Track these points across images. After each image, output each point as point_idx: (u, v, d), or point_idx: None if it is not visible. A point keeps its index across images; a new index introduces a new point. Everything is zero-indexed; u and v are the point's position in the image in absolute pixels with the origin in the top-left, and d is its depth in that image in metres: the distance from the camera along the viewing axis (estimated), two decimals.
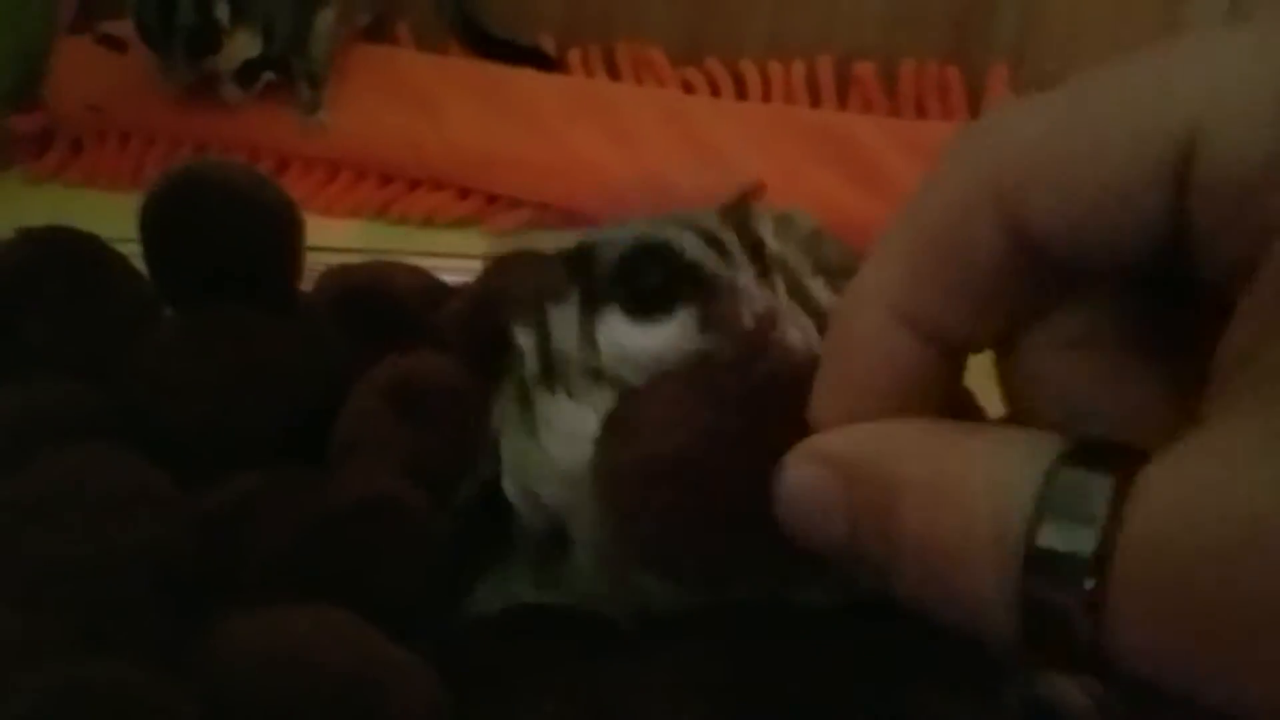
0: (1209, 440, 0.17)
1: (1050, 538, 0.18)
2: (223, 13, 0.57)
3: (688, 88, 0.65)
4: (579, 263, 0.27)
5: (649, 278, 0.26)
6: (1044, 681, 0.30)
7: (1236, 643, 0.16)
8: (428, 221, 0.63)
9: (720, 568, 0.25)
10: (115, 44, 0.64)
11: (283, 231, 0.39)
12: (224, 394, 0.35)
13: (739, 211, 0.28)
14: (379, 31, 0.67)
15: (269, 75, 0.62)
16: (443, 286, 0.41)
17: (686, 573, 0.25)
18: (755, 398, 0.24)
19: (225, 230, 0.37)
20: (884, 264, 0.21)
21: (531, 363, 0.28)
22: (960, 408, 0.25)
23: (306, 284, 0.42)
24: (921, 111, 0.62)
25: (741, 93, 0.64)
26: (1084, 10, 0.60)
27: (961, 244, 0.20)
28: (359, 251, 0.46)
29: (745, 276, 0.26)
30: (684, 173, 0.61)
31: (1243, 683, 0.17)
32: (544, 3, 0.67)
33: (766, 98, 0.64)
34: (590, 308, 0.27)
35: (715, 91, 0.65)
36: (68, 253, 0.37)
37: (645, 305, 0.26)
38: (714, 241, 0.26)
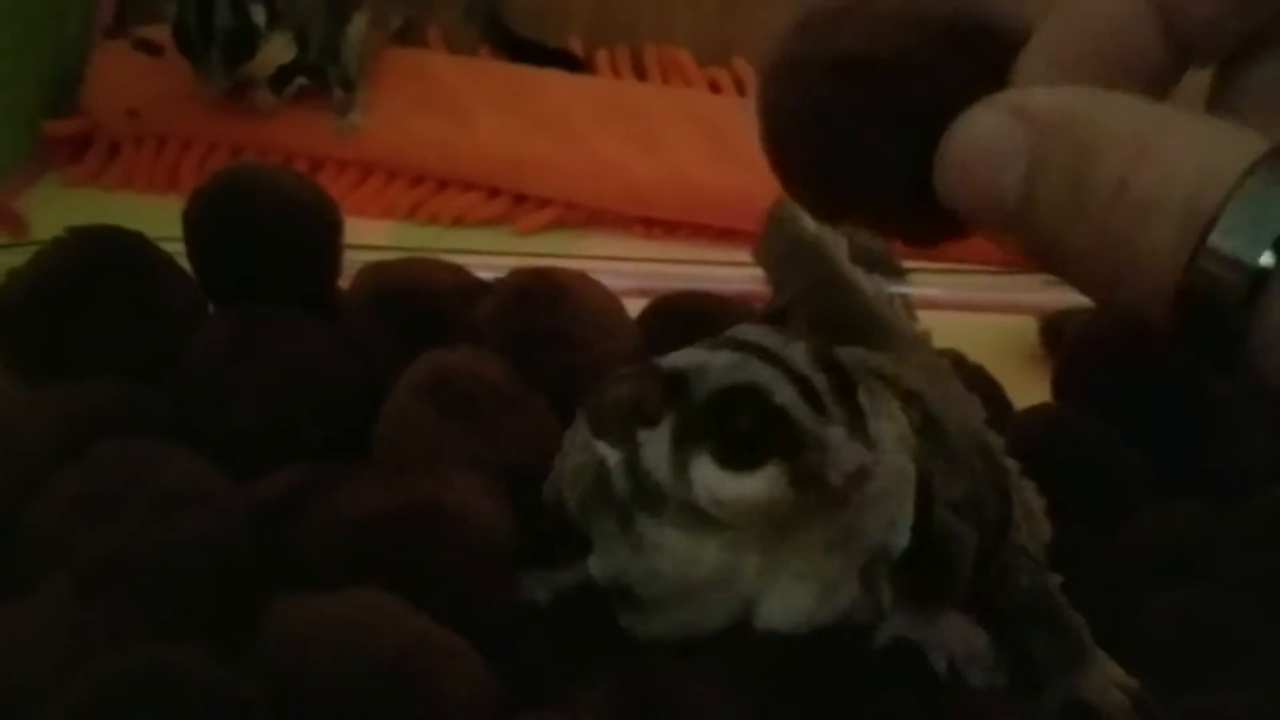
0: None
1: (1235, 223, 0.18)
2: (259, 16, 0.58)
3: (714, 88, 0.66)
4: (670, 389, 0.27)
5: (739, 423, 0.26)
6: (1084, 685, 0.30)
7: None
8: (457, 221, 0.63)
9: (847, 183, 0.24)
10: (151, 49, 0.64)
11: (324, 232, 0.40)
12: (270, 392, 0.36)
13: (828, 350, 0.27)
14: (410, 35, 0.68)
15: (302, 81, 0.63)
16: (479, 283, 0.42)
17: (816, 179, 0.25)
18: None
19: (269, 231, 0.38)
20: (1054, 52, 0.21)
21: (621, 481, 0.28)
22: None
23: (342, 282, 0.43)
24: None
25: None
26: None
27: (1126, 50, 0.21)
28: (392, 250, 0.47)
29: (836, 431, 0.26)
30: (710, 172, 0.62)
31: None
32: (572, 6, 0.68)
33: None
34: (682, 444, 0.27)
35: (742, 91, 0.65)
36: (118, 252, 0.38)
37: (735, 454, 0.26)
38: (804, 385, 0.26)
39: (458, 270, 0.42)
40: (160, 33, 0.65)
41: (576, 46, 0.68)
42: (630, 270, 0.50)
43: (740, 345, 0.28)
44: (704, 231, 0.62)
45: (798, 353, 0.27)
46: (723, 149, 0.62)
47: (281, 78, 0.62)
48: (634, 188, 0.63)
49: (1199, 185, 0.18)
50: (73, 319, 0.36)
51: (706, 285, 0.46)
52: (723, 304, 0.43)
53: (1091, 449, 0.36)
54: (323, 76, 0.63)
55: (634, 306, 0.43)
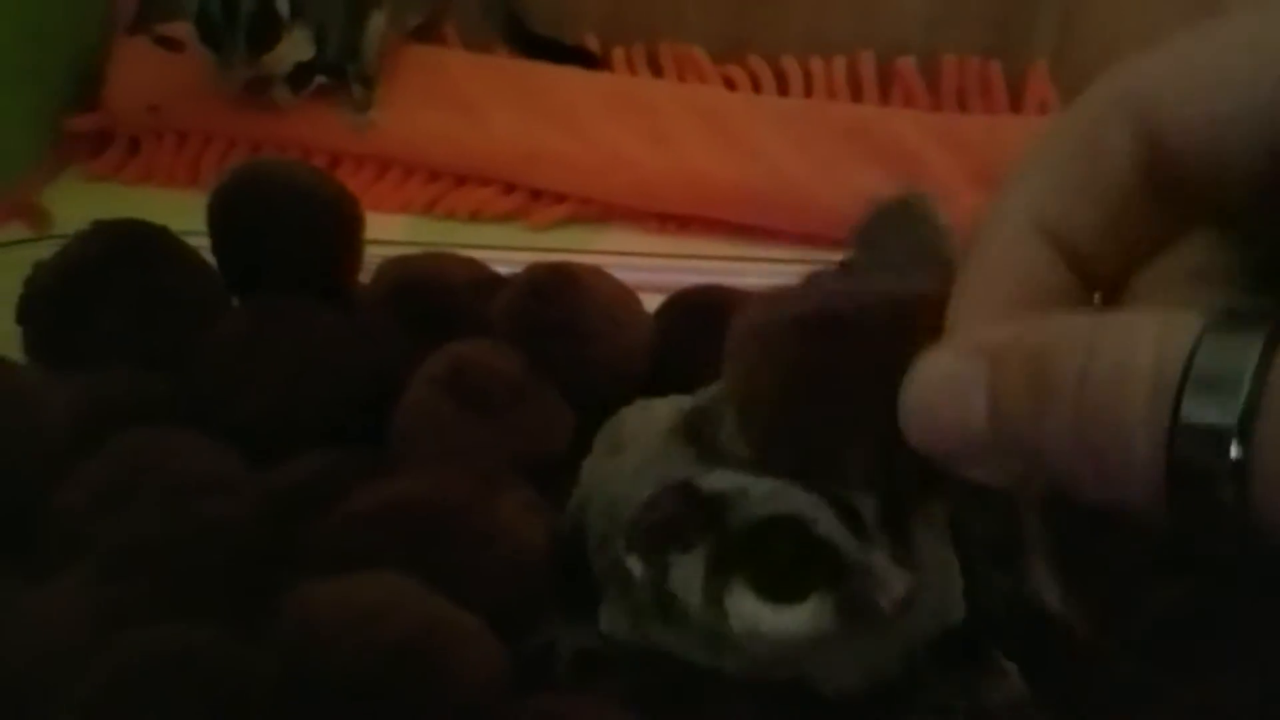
0: None
1: (1199, 401, 0.18)
2: (283, 6, 0.59)
3: (729, 85, 0.66)
4: (709, 514, 0.26)
5: (780, 554, 0.25)
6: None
7: None
8: (473, 217, 0.64)
9: (820, 442, 0.25)
10: (172, 45, 0.65)
11: (345, 226, 0.40)
12: (287, 383, 0.36)
13: (877, 467, 0.25)
14: (427, 32, 0.69)
15: (320, 79, 0.64)
16: (496, 277, 0.42)
17: (787, 442, 0.25)
18: None
19: (291, 224, 0.39)
20: (1024, 177, 0.22)
21: (645, 593, 0.27)
22: None
23: (362, 276, 0.43)
24: (963, 106, 0.62)
25: (783, 89, 0.65)
26: (1125, 6, 0.61)
27: (1099, 152, 0.21)
28: (408, 244, 0.48)
29: (881, 556, 0.25)
30: (723, 168, 0.62)
31: None
32: (587, 3, 0.68)
33: (808, 93, 0.65)
34: (719, 573, 0.26)
35: (756, 87, 0.66)
36: (140, 244, 0.38)
37: (776, 585, 0.25)
38: (849, 512, 0.25)
39: (474, 264, 0.42)
40: (180, 29, 0.66)
41: (592, 44, 0.68)
42: (644, 265, 0.51)
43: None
44: (717, 226, 0.62)
45: (845, 477, 0.25)
46: (736, 145, 0.63)
47: (300, 76, 0.63)
48: (647, 183, 0.63)
49: (1159, 353, 0.18)
50: (97, 309, 0.37)
51: (720, 280, 0.47)
52: (739, 298, 0.44)
53: None
54: (341, 74, 0.64)
55: (648, 301, 0.43)
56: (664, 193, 0.63)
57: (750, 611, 0.26)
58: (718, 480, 0.26)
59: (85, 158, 0.66)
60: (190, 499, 0.30)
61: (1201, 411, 0.18)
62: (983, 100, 0.63)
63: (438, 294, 0.41)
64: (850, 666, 0.27)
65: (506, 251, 0.49)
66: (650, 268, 0.50)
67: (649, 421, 0.31)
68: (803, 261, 0.46)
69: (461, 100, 0.65)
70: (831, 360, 0.24)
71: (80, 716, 0.22)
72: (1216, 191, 0.20)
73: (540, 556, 0.30)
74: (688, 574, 0.26)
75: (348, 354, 0.38)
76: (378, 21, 0.63)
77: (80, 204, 0.63)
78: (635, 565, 0.26)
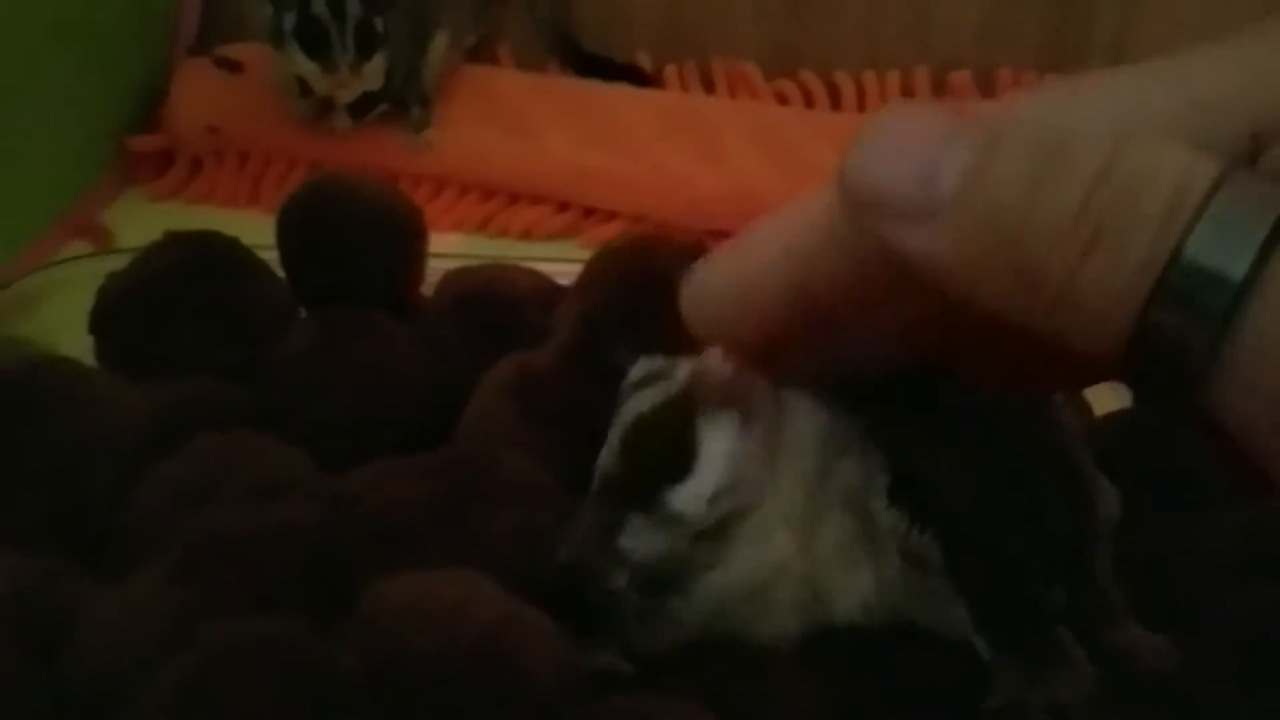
0: None
1: (1208, 238, 0.17)
2: (379, 25, 0.60)
3: (781, 100, 0.66)
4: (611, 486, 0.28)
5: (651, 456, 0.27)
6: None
7: None
8: (526, 234, 0.65)
9: None
10: (232, 66, 0.67)
11: (412, 239, 0.41)
12: (359, 391, 0.37)
13: None
14: (481, 52, 0.70)
15: (383, 107, 0.64)
16: (557, 288, 0.42)
17: None
18: None
19: (361, 237, 0.39)
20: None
21: (637, 593, 0.28)
22: None
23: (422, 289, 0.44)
24: None
25: (836, 104, 0.65)
26: (1181, 18, 0.61)
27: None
28: (468, 257, 0.48)
29: None
30: (774, 185, 0.62)
31: None
32: (639, 21, 0.69)
33: (861, 108, 0.65)
34: (619, 509, 0.28)
35: (809, 103, 0.66)
36: (214, 256, 0.39)
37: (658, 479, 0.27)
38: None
39: (536, 275, 0.43)
40: (240, 50, 0.67)
41: (644, 61, 0.69)
42: None
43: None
44: None
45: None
46: (788, 161, 0.63)
47: (363, 104, 0.64)
48: (699, 201, 0.63)
49: (1182, 181, 0.17)
50: (170, 318, 0.38)
51: None
52: None
53: (1171, 451, 0.36)
54: (402, 101, 0.65)
55: None
56: (716, 210, 0.63)
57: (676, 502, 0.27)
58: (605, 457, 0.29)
59: (147, 178, 0.67)
60: (267, 500, 0.31)
61: (1208, 250, 0.17)
62: None
63: (501, 305, 0.41)
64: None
65: (562, 264, 0.49)
66: None
67: None
68: None
69: (515, 119, 0.66)
70: None
71: (166, 708, 0.22)
72: None
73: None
74: (636, 531, 0.28)
75: (416, 363, 0.38)
76: (439, 44, 0.64)
77: (142, 223, 0.64)
78: (615, 579, 0.28)
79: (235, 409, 0.36)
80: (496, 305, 0.41)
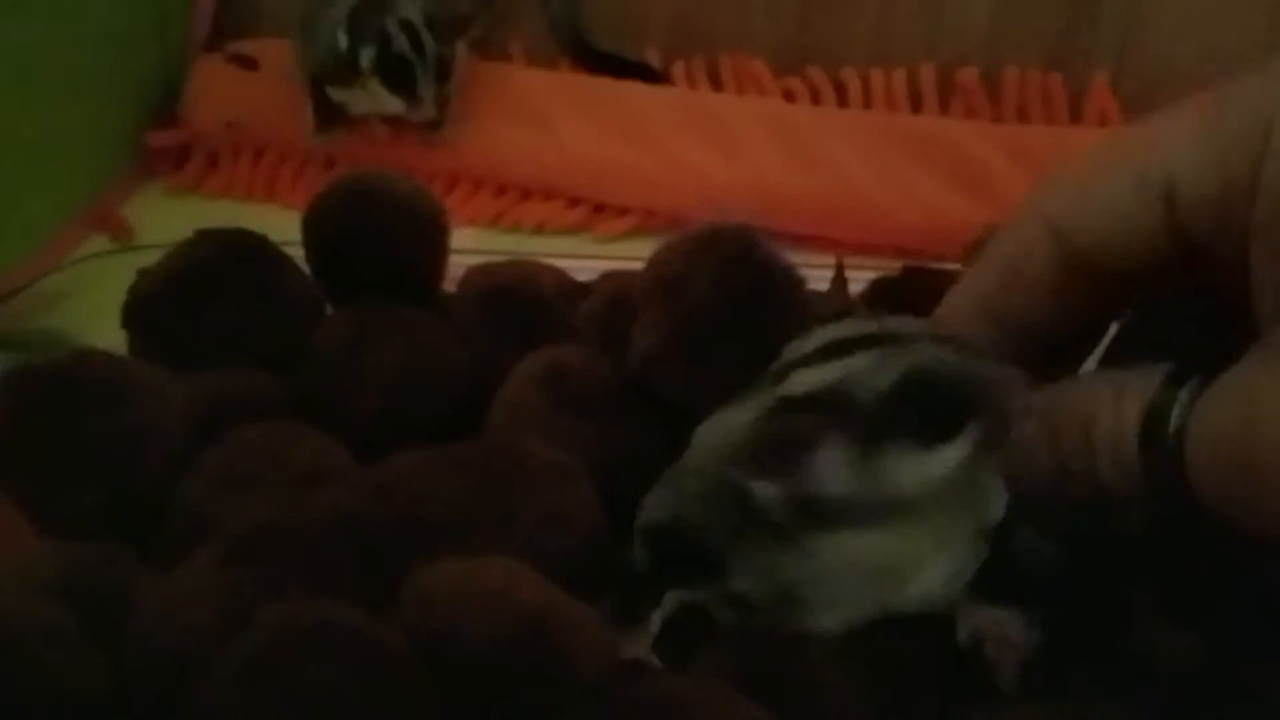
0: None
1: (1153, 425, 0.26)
2: (450, 55, 0.62)
3: (789, 97, 0.67)
4: (830, 407, 0.28)
5: (941, 397, 0.28)
6: None
7: (1247, 495, 0.24)
8: (539, 229, 0.65)
9: None
10: (246, 63, 0.67)
11: (434, 235, 0.42)
12: (393, 382, 0.38)
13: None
14: (493, 49, 0.70)
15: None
16: (580, 285, 0.43)
17: None
18: None
19: (385, 233, 0.40)
20: (977, 275, 0.32)
21: (781, 510, 0.29)
22: None
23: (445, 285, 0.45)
24: (1024, 118, 0.63)
25: (843, 100, 0.66)
26: (1186, 19, 0.61)
27: (1029, 261, 0.30)
28: (485, 253, 0.49)
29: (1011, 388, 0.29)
30: (786, 178, 0.63)
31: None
32: (650, 18, 0.69)
33: (868, 105, 0.65)
34: (867, 446, 0.28)
35: (816, 100, 0.67)
36: (244, 251, 0.40)
37: (942, 426, 0.28)
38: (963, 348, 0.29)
39: (558, 272, 0.44)
40: (255, 47, 0.68)
41: (654, 58, 0.69)
42: None
43: (862, 340, 0.29)
44: (780, 236, 0.63)
45: (918, 330, 0.29)
46: (800, 155, 0.64)
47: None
48: (712, 194, 0.64)
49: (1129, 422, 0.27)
50: (203, 312, 0.39)
51: None
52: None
53: None
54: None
55: None
56: (730, 203, 0.64)
57: (916, 463, 0.28)
58: (800, 383, 0.29)
59: (166, 172, 0.68)
60: (305, 488, 0.32)
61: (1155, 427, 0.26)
62: (1044, 112, 0.63)
63: (526, 300, 0.42)
64: (943, 563, 0.29)
65: (577, 260, 0.50)
66: None
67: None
68: (864, 268, 0.48)
69: (529, 114, 0.67)
70: None
71: (233, 687, 0.23)
72: (1107, 279, 0.29)
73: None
74: (827, 467, 0.28)
75: (448, 356, 0.39)
76: (463, 49, 0.65)
77: (161, 217, 0.65)
78: (764, 489, 0.28)
79: (274, 399, 0.37)
80: (522, 301, 0.42)
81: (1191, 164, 0.27)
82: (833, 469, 0.28)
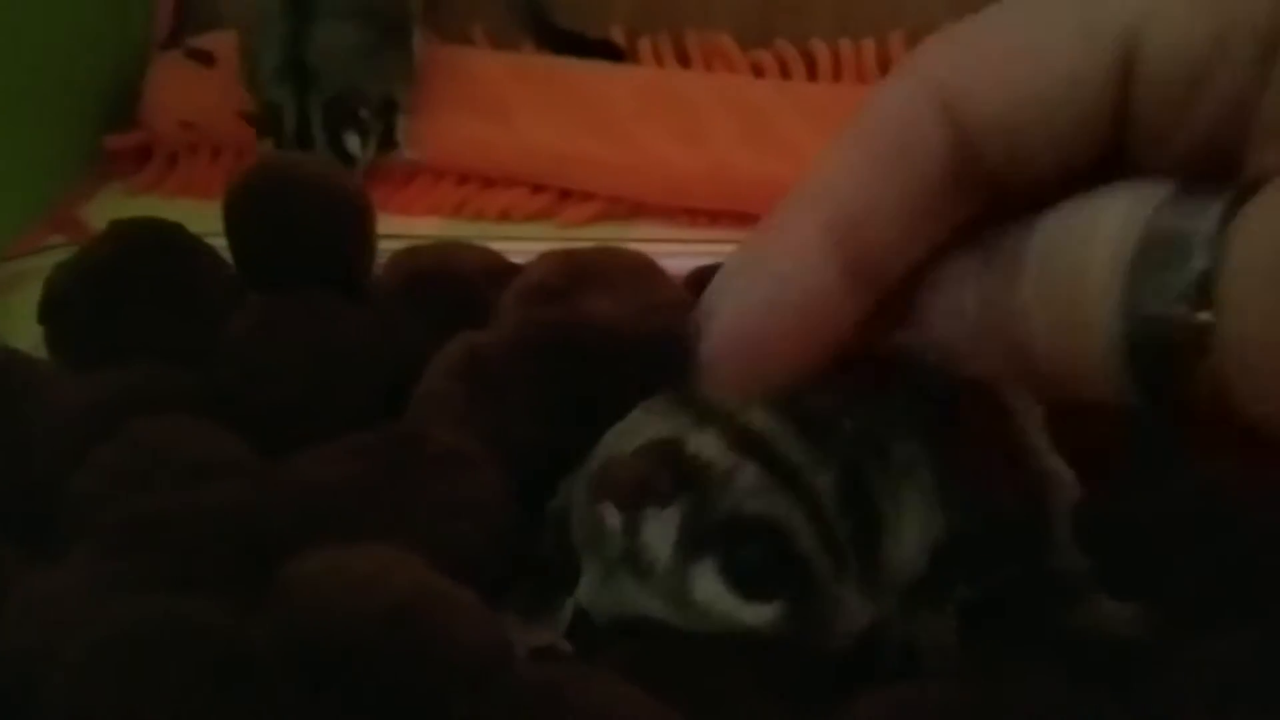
0: None
1: (1156, 264, 0.17)
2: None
3: (757, 71, 0.66)
4: (687, 479, 0.26)
5: (754, 557, 0.26)
6: None
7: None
8: (503, 217, 0.64)
9: None
10: (203, 58, 0.66)
11: (355, 218, 0.41)
12: (304, 376, 0.36)
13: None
14: (454, 32, 0.69)
15: None
16: (510, 266, 0.42)
17: None
18: None
19: (301, 218, 0.39)
20: (828, 170, 0.22)
21: (613, 547, 0.28)
22: None
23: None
24: None
25: (812, 73, 0.65)
26: None
27: (908, 150, 0.20)
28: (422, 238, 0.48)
29: (851, 588, 0.25)
30: (751, 162, 0.62)
31: None
32: None
33: (837, 77, 0.64)
34: (692, 546, 0.26)
35: (785, 74, 0.65)
36: (157, 242, 0.39)
37: (745, 580, 0.26)
38: (827, 532, 0.26)
39: (487, 253, 0.42)
40: (213, 41, 0.67)
41: (618, 36, 0.68)
42: (670, 252, 0.50)
43: (772, 461, 0.26)
44: (747, 220, 0.62)
45: (827, 482, 0.26)
46: (765, 138, 0.63)
47: None
48: (676, 180, 0.63)
49: (1123, 220, 0.18)
50: (116, 305, 0.38)
51: None
52: None
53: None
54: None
55: None
56: (694, 189, 0.63)
57: (714, 593, 0.26)
58: (705, 446, 0.26)
59: (126, 173, 0.67)
60: (197, 482, 0.30)
61: (1159, 276, 0.17)
62: None
63: (451, 283, 0.41)
64: None
65: (537, 243, 0.48)
66: (679, 254, 0.50)
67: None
68: None
69: (490, 103, 0.66)
70: None
71: (70, 681, 0.22)
72: (1014, 180, 0.20)
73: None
74: (662, 530, 0.26)
75: (364, 344, 0.38)
76: (419, 36, 0.64)
77: (123, 215, 0.64)
78: (611, 515, 0.27)
79: (180, 394, 0.36)
80: (447, 283, 0.41)
81: (1167, 6, 0.19)
82: (660, 533, 0.26)
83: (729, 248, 0.55)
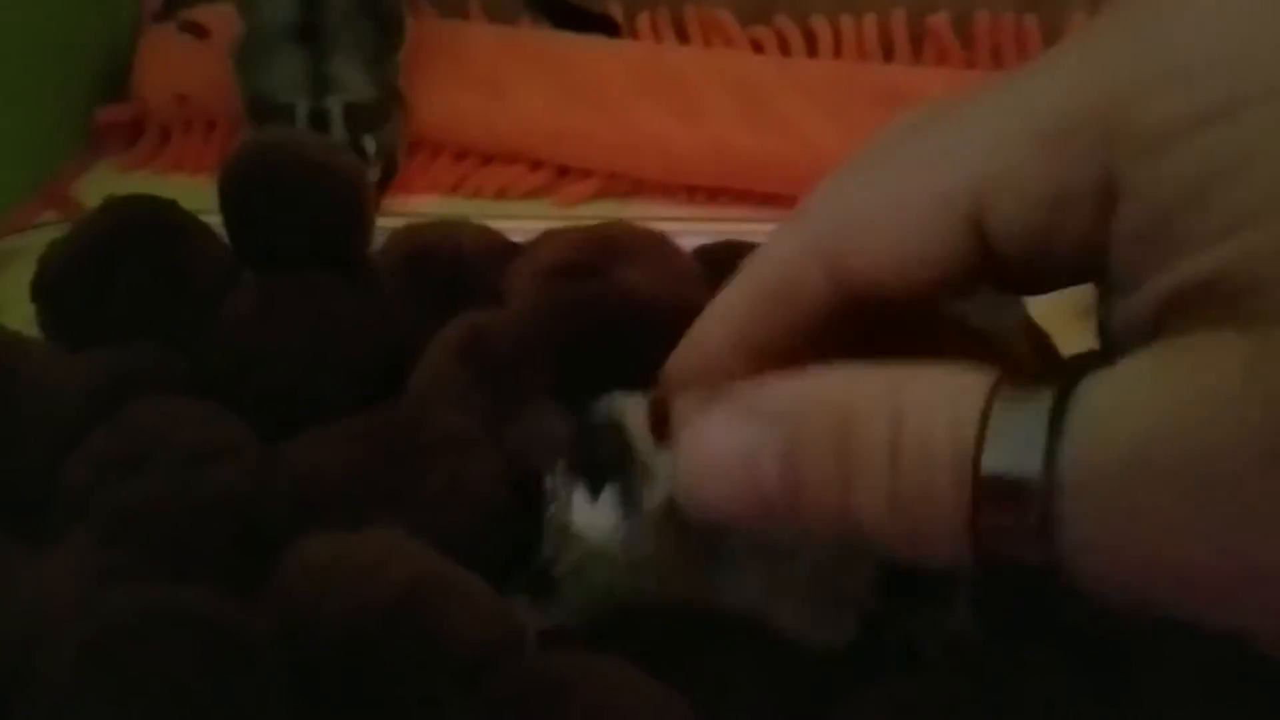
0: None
1: (999, 458, 0.18)
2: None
3: (757, 47, 0.65)
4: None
5: (599, 452, 0.26)
6: None
7: (1146, 551, 0.17)
8: (501, 195, 0.64)
9: None
10: (197, 30, 0.65)
11: (353, 195, 0.40)
12: (300, 356, 0.36)
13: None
14: (451, 7, 0.68)
15: None
16: (511, 245, 0.41)
17: None
18: None
19: (298, 195, 0.38)
20: (733, 302, 0.25)
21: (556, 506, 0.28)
22: None
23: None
24: (998, 62, 0.61)
25: (812, 50, 0.64)
26: None
27: (794, 292, 0.23)
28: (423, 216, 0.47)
29: (668, 459, 0.25)
30: (750, 139, 0.61)
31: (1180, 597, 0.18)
32: None
33: (838, 54, 0.63)
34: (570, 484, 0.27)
35: (785, 50, 0.64)
36: (151, 220, 0.38)
37: (593, 480, 0.26)
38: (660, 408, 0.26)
39: (487, 231, 0.42)
40: (206, 14, 0.66)
41: (617, 11, 0.67)
42: (672, 230, 0.50)
43: None
44: (747, 196, 0.62)
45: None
46: (765, 115, 0.62)
47: None
48: (675, 157, 0.62)
49: (956, 415, 0.19)
50: (108, 285, 0.37)
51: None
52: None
53: None
54: None
55: None
56: (692, 166, 0.62)
57: (578, 505, 0.27)
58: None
59: (118, 148, 0.66)
60: (194, 466, 0.30)
61: (1004, 467, 0.18)
62: (1018, 56, 0.61)
63: (449, 262, 0.40)
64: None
65: (535, 221, 0.48)
66: (678, 232, 0.50)
67: None
68: None
69: (487, 79, 0.65)
70: None
71: (63, 678, 0.22)
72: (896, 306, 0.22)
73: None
74: (581, 503, 0.27)
75: (361, 325, 0.38)
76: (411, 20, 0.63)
77: (116, 191, 0.64)
78: (551, 481, 0.28)
79: (175, 376, 0.35)
80: (446, 262, 0.40)
81: (1012, 167, 0.20)
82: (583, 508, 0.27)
83: (728, 225, 0.57)
